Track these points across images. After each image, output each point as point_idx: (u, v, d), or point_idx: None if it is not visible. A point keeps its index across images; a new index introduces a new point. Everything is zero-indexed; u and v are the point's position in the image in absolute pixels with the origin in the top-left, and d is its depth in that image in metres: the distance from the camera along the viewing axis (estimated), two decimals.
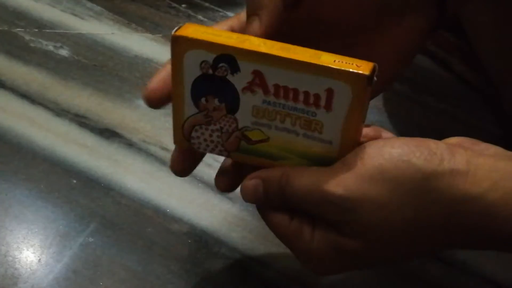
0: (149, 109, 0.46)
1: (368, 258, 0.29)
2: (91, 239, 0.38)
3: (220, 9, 0.55)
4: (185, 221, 0.39)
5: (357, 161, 0.27)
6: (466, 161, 0.26)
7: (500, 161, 0.26)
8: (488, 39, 0.45)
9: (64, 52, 0.50)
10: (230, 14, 0.55)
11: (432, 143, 0.27)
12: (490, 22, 0.44)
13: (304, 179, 0.28)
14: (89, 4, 0.55)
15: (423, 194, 0.26)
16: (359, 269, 0.31)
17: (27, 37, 0.51)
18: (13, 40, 0.51)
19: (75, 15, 0.54)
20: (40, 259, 0.37)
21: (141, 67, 0.50)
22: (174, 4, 0.55)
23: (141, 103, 0.47)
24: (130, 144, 0.44)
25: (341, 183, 0.27)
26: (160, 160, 0.43)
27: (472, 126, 0.47)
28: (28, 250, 0.38)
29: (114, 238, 0.38)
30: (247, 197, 0.30)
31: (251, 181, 0.30)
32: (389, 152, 0.27)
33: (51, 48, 0.50)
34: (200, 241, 0.39)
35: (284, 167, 0.29)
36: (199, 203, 0.41)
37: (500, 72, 0.45)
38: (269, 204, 0.30)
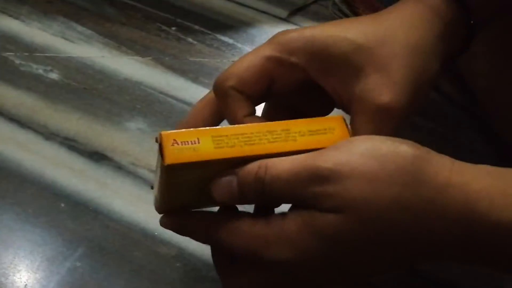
0: (138, 132, 0.47)
1: (346, 242, 0.27)
2: (78, 264, 0.38)
3: (210, 32, 0.56)
4: (173, 244, 0.39)
5: (347, 143, 0.28)
6: (450, 159, 0.28)
7: (480, 164, 0.28)
8: (477, 60, 0.46)
9: (54, 75, 0.50)
10: (220, 36, 0.55)
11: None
12: (479, 45, 0.45)
13: (287, 163, 0.28)
14: (80, 28, 0.55)
15: (411, 173, 0.26)
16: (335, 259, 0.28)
17: (17, 61, 0.51)
18: (3, 64, 0.51)
19: (66, 38, 0.54)
20: (26, 284, 0.37)
21: (131, 90, 0.50)
22: (164, 27, 0.56)
23: (130, 125, 0.47)
24: (119, 167, 0.44)
25: (330, 159, 0.27)
26: (148, 183, 0.42)
27: (461, 145, 0.48)
28: (14, 275, 0.37)
29: (102, 263, 0.38)
30: (219, 196, 0.29)
31: (224, 178, 0.29)
32: (380, 138, 0.28)
33: (41, 71, 0.51)
34: (189, 264, 0.38)
35: (261, 160, 0.29)
36: None
37: (488, 92, 0.45)
38: (244, 201, 0.29)
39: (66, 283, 0.37)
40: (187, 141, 0.28)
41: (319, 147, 0.29)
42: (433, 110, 0.49)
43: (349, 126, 0.30)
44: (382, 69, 0.30)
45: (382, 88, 0.30)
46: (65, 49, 0.53)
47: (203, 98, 0.34)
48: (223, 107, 0.32)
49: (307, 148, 0.29)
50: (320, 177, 0.27)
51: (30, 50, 0.52)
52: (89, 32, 0.55)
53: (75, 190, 0.42)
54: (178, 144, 0.28)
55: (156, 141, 0.29)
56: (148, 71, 0.52)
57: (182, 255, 0.39)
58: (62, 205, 0.41)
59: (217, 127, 0.30)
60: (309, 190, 0.27)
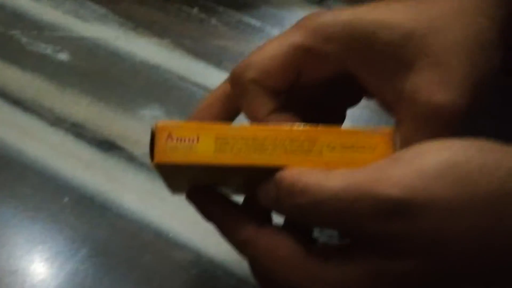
0: (153, 120, 0.42)
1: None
2: (81, 267, 0.33)
3: (235, 13, 0.51)
4: (190, 248, 0.34)
5: (414, 156, 0.21)
6: None
7: None
8: None
9: (63, 56, 0.46)
10: (246, 19, 0.50)
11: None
12: None
13: (335, 180, 0.22)
14: (94, 6, 0.50)
15: (505, 197, 0.20)
16: None
17: (24, 40, 0.47)
18: (9, 43, 0.47)
19: (78, 17, 0.49)
20: None
21: (146, 74, 0.45)
22: (185, 8, 0.51)
23: (145, 113, 0.42)
24: (131, 158, 0.39)
25: (396, 182, 0.21)
26: None
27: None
28: (9, 277, 0.33)
29: (108, 266, 0.33)
30: (263, 202, 0.25)
31: (264, 186, 0.24)
32: (457, 144, 0.21)
33: (49, 52, 0.46)
34: (207, 272, 0.33)
35: (293, 172, 0.23)
36: (207, 228, 0.35)
37: None
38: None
39: None
40: (184, 138, 0.24)
41: (350, 167, 0.23)
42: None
43: (397, 146, 0.24)
44: (437, 63, 0.25)
45: (438, 86, 0.24)
46: (77, 29, 0.48)
47: (215, 89, 0.29)
48: (241, 103, 0.27)
49: (336, 167, 0.23)
50: (387, 209, 0.21)
51: (38, 28, 0.48)
52: (103, 11, 0.50)
53: (80, 183, 0.37)
54: (173, 140, 0.24)
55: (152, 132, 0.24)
56: (166, 55, 0.47)
57: (199, 261, 0.34)
58: (66, 199, 0.37)
59: (225, 125, 0.25)
60: (369, 225, 0.21)
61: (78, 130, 0.41)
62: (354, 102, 0.30)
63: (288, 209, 0.23)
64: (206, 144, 0.23)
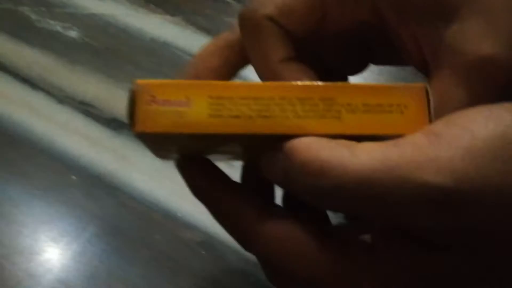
0: None
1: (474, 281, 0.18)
2: (88, 246, 0.32)
3: None
4: (199, 229, 0.33)
5: (460, 130, 0.17)
6: None
7: None
8: None
9: (73, 33, 0.45)
10: None
11: None
12: None
13: (364, 158, 0.17)
14: None
15: None
16: None
17: (33, 17, 0.46)
18: (18, 20, 0.46)
19: None
20: (27, 267, 0.32)
21: (158, 52, 0.44)
22: None
23: None
24: None
25: (444, 166, 0.17)
26: None
27: None
28: (15, 256, 0.32)
29: (115, 246, 0.32)
30: (269, 176, 0.21)
31: (271, 155, 0.20)
32: (508, 116, 0.17)
33: (59, 29, 0.45)
34: (216, 253, 0.32)
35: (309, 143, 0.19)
36: None
37: None
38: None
39: (72, 268, 0.32)
40: (172, 100, 0.19)
41: (377, 133, 0.19)
42: None
43: (431, 104, 0.19)
44: (484, 11, 0.21)
45: (486, 36, 0.21)
46: (87, 5, 0.47)
47: (214, 40, 0.25)
48: (251, 45, 0.22)
49: (358, 133, 0.19)
50: (434, 199, 0.17)
51: (48, 5, 0.47)
52: None
53: (88, 162, 0.36)
54: (157, 102, 0.19)
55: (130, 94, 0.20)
56: (178, 32, 0.45)
57: (209, 241, 0.33)
58: (73, 177, 0.36)
59: (219, 81, 0.20)
60: (409, 217, 0.18)
61: (86, 108, 0.40)
62: (360, 67, 0.27)
63: (301, 190, 0.19)
64: (198, 107, 0.19)
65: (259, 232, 0.20)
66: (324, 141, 0.18)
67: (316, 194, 0.18)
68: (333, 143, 0.18)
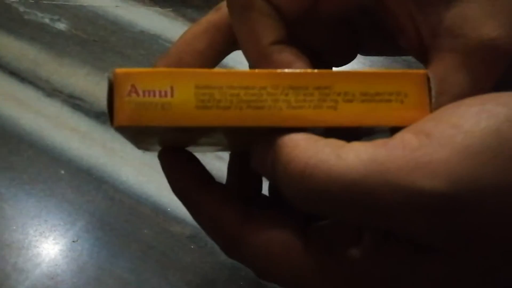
0: None
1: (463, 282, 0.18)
2: (77, 240, 0.32)
3: None
4: (188, 222, 0.33)
5: (451, 129, 0.16)
6: None
7: None
8: None
9: (61, 25, 0.44)
10: None
11: None
12: None
13: (351, 160, 0.16)
14: None
15: None
16: None
17: (21, 9, 0.45)
18: (6, 12, 0.45)
19: None
20: (16, 262, 0.32)
21: (147, 44, 0.44)
22: None
23: None
24: None
25: (437, 170, 0.15)
26: None
27: None
28: (3, 250, 0.32)
29: (104, 240, 0.32)
30: (255, 168, 0.20)
31: (260, 148, 0.19)
32: (500, 111, 0.16)
33: (47, 21, 0.45)
34: (206, 247, 0.32)
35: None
36: None
37: None
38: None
39: (61, 263, 0.31)
40: (153, 91, 0.17)
41: (375, 125, 0.18)
42: None
43: (433, 93, 0.18)
44: None
45: (486, 19, 0.20)
46: None
47: (198, 21, 0.23)
48: (241, 25, 0.21)
49: (356, 125, 0.18)
50: (428, 205, 0.16)
51: None
52: None
53: (77, 155, 0.36)
54: (138, 94, 0.17)
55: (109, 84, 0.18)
56: (167, 24, 0.45)
57: (198, 235, 0.33)
58: (62, 171, 0.35)
59: (206, 69, 0.18)
60: (400, 223, 0.16)
61: (75, 102, 0.39)
62: (348, 58, 0.26)
63: (285, 190, 0.18)
64: (183, 97, 0.17)
65: (242, 238, 0.20)
66: (313, 140, 0.18)
67: (298, 197, 0.17)
68: (322, 142, 0.17)
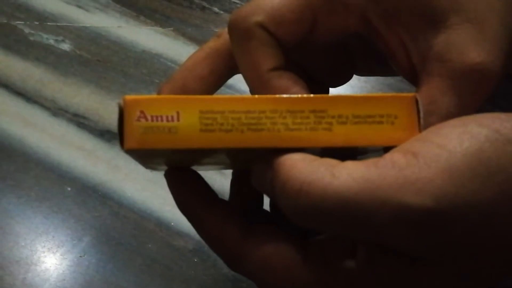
0: None
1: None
2: (84, 255, 0.33)
3: (238, 1, 0.50)
4: (192, 237, 0.34)
5: (436, 150, 0.17)
6: None
7: None
8: None
9: (65, 46, 0.46)
10: None
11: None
12: None
13: (344, 180, 0.17)
14: None
15: None
16: None
17: (26, 30, 0.47)
18: (12, 33, 0.47)
19: (80, 7, 0.49)
20: (25, 277, 0.33)
21: (149, 63, 0.45)
22: None
23: None
24: None
25: (424, 187, 0.17)
26: None
27: None
28: (12, 267, 0.33)
29: (110, 255, 0.33)
30: (256, 186, 0.21)
31: (260, 168, 0.21)
32: (481, 132, 0.17)
33: (51, 42, 0.46)
34: (208, 260, 0.33)
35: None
36: None
37: None
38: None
39: (69, 277, 0.32)
40: (161, 116, 0.19)
41: (368, 145, 0.19)
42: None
43: (421, 114, 0.20)
44: (472, 20, 0.21)
45: (474, 44, 0.21)
46: (78, 18, 0.48)
47: (201, 48, 0.25)
48: (241, 53, 0.22)
49: (350, 145, 0.19)
50: (414, 220, 0.17)
51: (41, 18, 0.48)
52: (105, 0, 0.50)
53: (83, 173, 0.37)
54: (146, 119, 0.19)
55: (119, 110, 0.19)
56: (168, 43, 0.46)
57: (201, 249, 0.34)
58: (68, 188, 0.37)
59: (209, 96, 0.20)
60: (390, 237, 0.18)
61: (80, 120, 0.41)
62: (345, 77, 0.27)
63: (283, 208, 0.19)
64: (189, 122, 0.19)
65: (244, 253, 0.21)
66: (309, 159, 0.19)
67: (296, 214, 0.18)
68: (317, 161, 0.18)
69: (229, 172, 0.27)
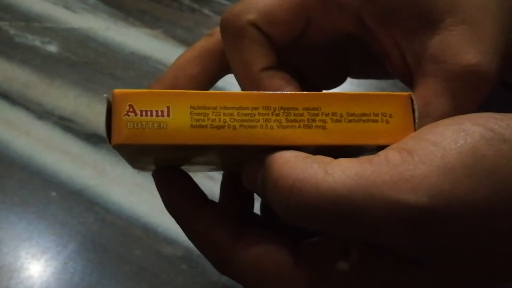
0: None
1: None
2: (69, 262, 0.33)
3: (228, 2, 0.50)
4: (180, 243, 0.33)
5: (431, 147, 0.17)
6: None
7: None
8: None
9: (52, 48, 0.45)
10: None
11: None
12: None
13: (337, 176, 0.17)
14: None
15: None
16: None
17: (12, 32, 0.46)
18: None
19: (67, 8, 0.48)
20: (7, 285, 0.32)
21: (137, 65, 0.44)
22: None
23: None
24: None
25: (419, 185, 0.16)
26: None
27: None
28: None
29: (96, 262, 0.33)
30: (246, 185, 0.21)
31: (252, 166, 0.20)
32: (476, 130, 0.17)
33: (38, 43, 0.45)
34: (197, 267, 0.32)
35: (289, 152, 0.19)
36: None
37: None
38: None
39: (53, 285, 0.32)
40: (151, 111, 0.18)
41: (362, 143, 0.19)
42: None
43: (416, 113, 0.19)
44: (468, 21, 0.21)
45: (469, 46, 0.21)
46: (66, 20, 0.47)
47: (192, 46, 0.24)
48: (233, 52, 0.22)
49: (344, 143, 0.19)
50: (409, 218, 0.17)
51: (27, 19, 0.47)
52: (93, 1, 0.49)
53: (68, 177, 0.36)
54: (135, 113, 0.18)
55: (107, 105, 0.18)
56: (157, 45, 0.46)
57: (189, 256, 0.33)
58: (53, 193, 0.36)
59: (201, 91, 0.19)
60: (383, 236, 0.17)
61: (66, 123, 0.40)
62: (337, 81, 0.27)
63: (275, 206, 0.18)
64: (179, 117, 0.18)
65: (233, 255, 0.20)
66: (302, 157, 0.18)
67: (288, 212, 0.18)
68: (310, 158, 0.18)
69: (218, 177, 0.27)
